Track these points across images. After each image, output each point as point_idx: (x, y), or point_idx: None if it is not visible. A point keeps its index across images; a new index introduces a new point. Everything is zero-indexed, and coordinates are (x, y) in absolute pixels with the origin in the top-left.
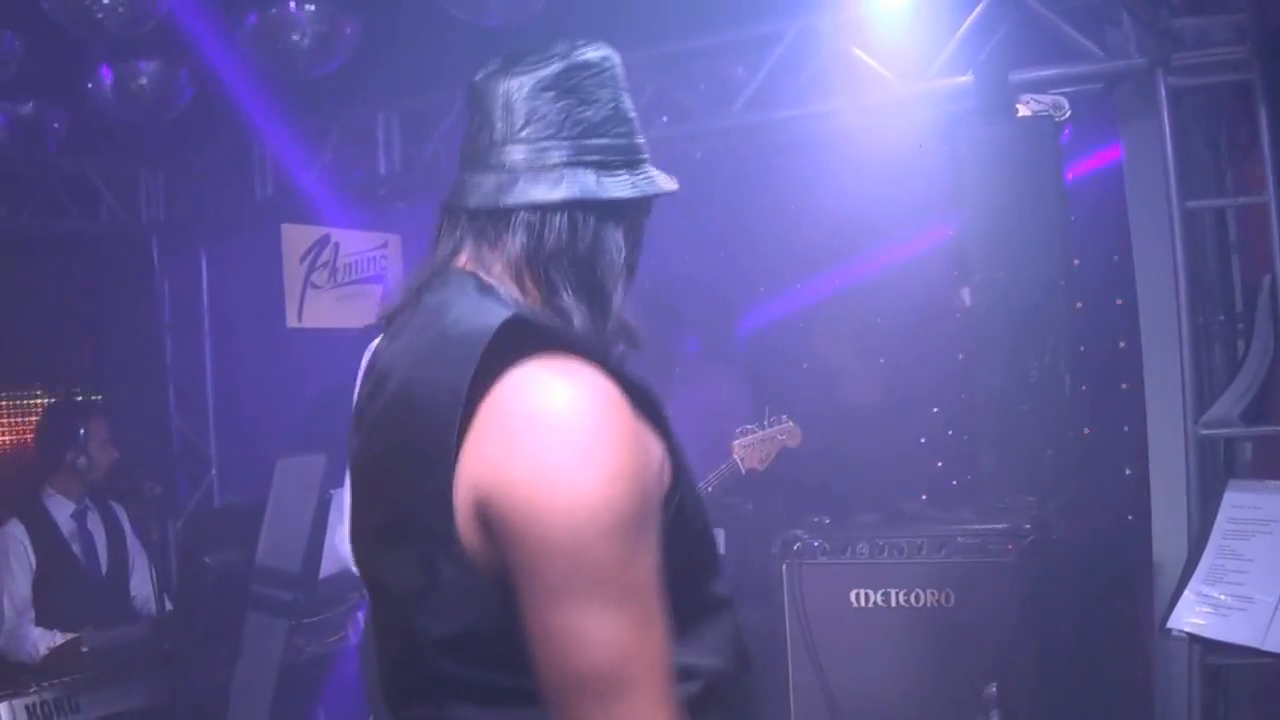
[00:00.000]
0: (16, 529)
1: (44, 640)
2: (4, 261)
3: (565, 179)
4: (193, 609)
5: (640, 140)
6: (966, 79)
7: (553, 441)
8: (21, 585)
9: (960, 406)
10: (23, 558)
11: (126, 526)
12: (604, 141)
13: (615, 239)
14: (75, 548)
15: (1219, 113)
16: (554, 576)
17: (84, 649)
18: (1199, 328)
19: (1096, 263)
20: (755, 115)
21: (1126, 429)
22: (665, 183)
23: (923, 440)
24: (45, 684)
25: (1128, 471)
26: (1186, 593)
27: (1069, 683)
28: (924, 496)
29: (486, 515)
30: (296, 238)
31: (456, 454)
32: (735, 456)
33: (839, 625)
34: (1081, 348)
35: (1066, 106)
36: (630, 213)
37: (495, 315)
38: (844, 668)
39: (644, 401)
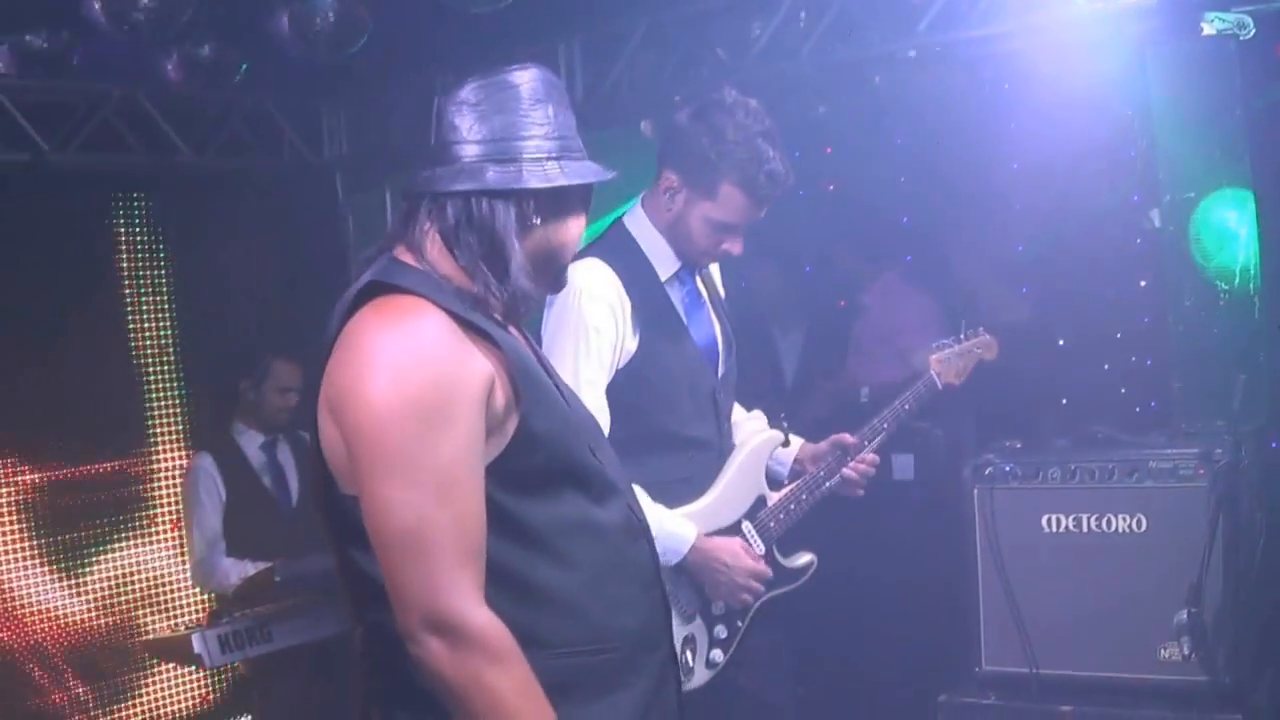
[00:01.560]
0: (206, 461)
1: (235, 570)
2: (190, 199)
3: (465, 173)
4: None
5: (551, 143)
6: None
7: (358, 351)
8: (212, 517)
9: (1145, 332)
10: (213, 490)
11: None
12: (504, 145)
13: (508, 218)
14: (265, 479)
15: None
16: (364, 457)
17: (277, 578)
18: None
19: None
20: (939, 36)
21: None
22: (559, 178)
23: (1106, 366)
24: (237, 613)
25: None
26: None
27: (1262, 611)
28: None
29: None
30: None
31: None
32: (932, 371)
33: (1030, 550)
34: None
35: (1251, 25)
36: (528, 197)
37: (368, 276)
38: (1035, 592)
39: (480, 334)
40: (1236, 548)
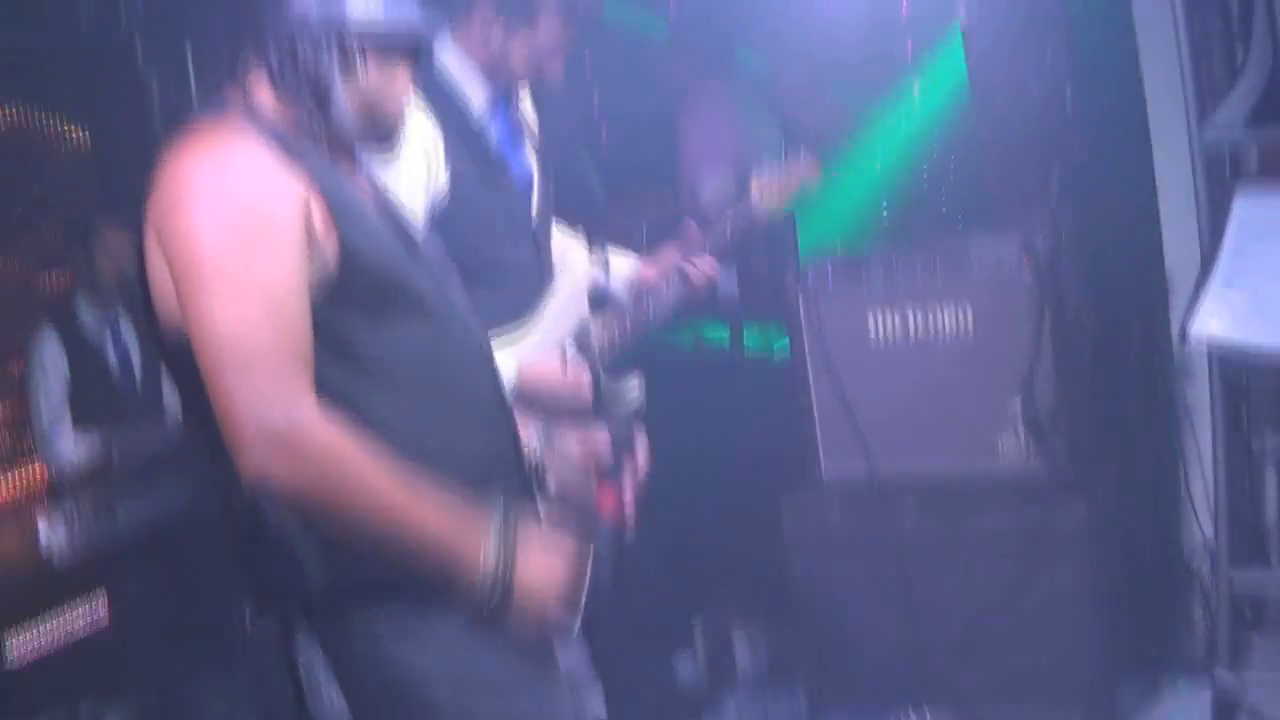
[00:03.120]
0: (50, 336)
1: (81, 442)
2: None
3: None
4: None
5: None
6: None
7: (174, 179)
8: (56, 392)
9: (958, 133)
10: (56, 365)
11: None
12: None
13: (331, 60)
14: (109, 354)
15: None
16: (188, 278)
17: (115, 454)
18: (1197, 36)
19: None
20: None
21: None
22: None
23: (925, 172)
24: (80, 492)
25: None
26: (1204, 299)
27: (1092, 393)
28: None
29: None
30: None
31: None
32: (754, 194)
33: (859, 352)
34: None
35: None
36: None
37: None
38: (868, 394)
39: (297, 161)
40: (1064, 336)
